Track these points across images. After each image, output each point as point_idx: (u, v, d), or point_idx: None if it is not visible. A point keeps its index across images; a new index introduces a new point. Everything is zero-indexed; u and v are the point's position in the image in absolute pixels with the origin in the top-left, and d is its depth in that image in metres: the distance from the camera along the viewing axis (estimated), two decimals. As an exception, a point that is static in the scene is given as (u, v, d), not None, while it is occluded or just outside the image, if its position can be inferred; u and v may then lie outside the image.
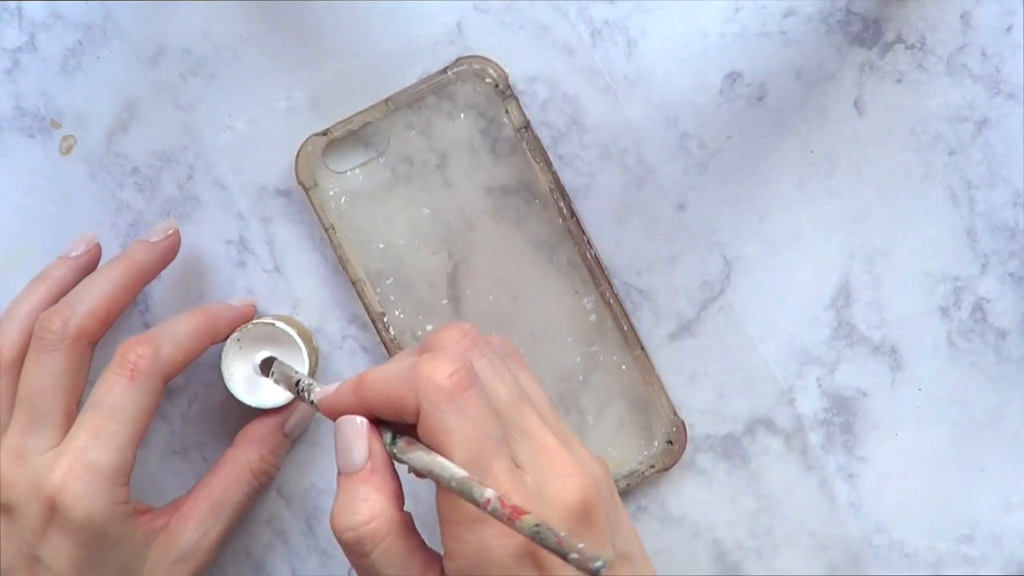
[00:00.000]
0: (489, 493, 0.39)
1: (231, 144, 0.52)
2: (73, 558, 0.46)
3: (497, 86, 0.51)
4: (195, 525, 0.50)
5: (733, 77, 0.52)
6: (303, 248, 0.53)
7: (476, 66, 0.51)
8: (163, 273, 0.53)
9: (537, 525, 0.38)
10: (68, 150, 0.53)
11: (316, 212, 0.52)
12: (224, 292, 0.53)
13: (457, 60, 0.51)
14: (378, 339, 0.52)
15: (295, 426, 0.52)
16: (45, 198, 0.53)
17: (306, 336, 0.52)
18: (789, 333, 0.52)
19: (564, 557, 0.38)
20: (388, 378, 0.43)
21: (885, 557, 0.53)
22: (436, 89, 0.51)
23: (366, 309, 0.52)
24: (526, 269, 0.52)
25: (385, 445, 0.43)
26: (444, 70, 0.51)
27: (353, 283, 0.52)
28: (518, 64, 0.52)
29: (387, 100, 0.51)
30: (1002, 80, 0.51)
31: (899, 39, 0.51)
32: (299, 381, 0.47)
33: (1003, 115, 0.51)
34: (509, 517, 0.39)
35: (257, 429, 0.52)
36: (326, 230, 0.52)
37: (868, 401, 0.52)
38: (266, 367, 0.49)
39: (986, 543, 0.52)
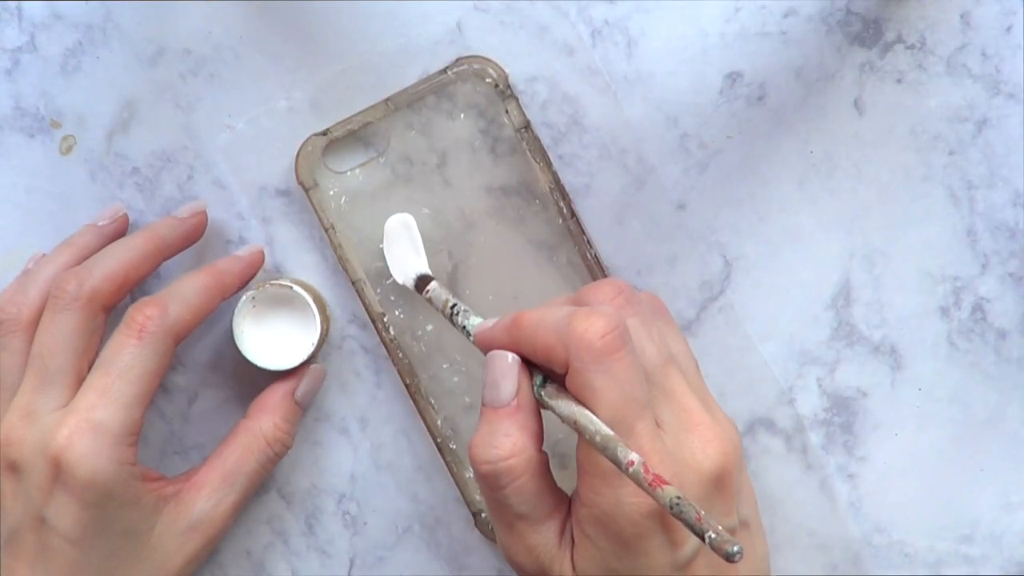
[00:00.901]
0: (633, 456, 0.40)
1: (231, 144, 0.52)
2: (79, 518, 0.46)
3: (497, 86, 0.51)
4: (208, 494, 0.50)
5: (733, 77, 0.51)
6: (303, 248, 0.53)
7: (476, 66, 0.51)
8: (163, 273, 0.53)
9: (678, 498, 0.39)
10: (68, 150, 0.53)
11: (316, 212, 0.52)
12: (224, 292, 0.53)
13: (457, 60, 0.51)
14: (378, 339, 0.52)
15: (306, 392, 0.52)
16: (45, 198, 0.53)
17: (321, 304, 0.52)
18: (789, 333, 0.52)
19: (700, 535, 0.38)
20: (542, 326, 0.43)
21: (885, 557, 0.53)
22: (436, 89, 0.51)
23: (366, 309, 0.52)
24: (526, 269, 0.52)
25: (533, 387, 0.44)
26: (444, 70, 0.51)
27: (353, 283, 0.52)
28: (518, 64, 0.52)
29: (387, 100, 0.51)
30: (1002, 80, 0.51)
31: (899, 39, 0.51)
32: (455, 305, 0.48)
33: (1003, 115, 0.51)
34: (651, 484, 0.39)
35: (269, 397, 0.52)
36: (326, 230, 0.52)
37: (868, 401, 0.52)
38: (422, 284, 0.50)
39: (986, 543, 0.52)
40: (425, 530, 0.54)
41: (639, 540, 0.41)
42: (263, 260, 0.52)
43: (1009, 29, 0.51)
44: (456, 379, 0.52)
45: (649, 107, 0.52)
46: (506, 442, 0.43)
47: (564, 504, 0.44)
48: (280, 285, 0.51)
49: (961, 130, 0.51)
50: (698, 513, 0.38)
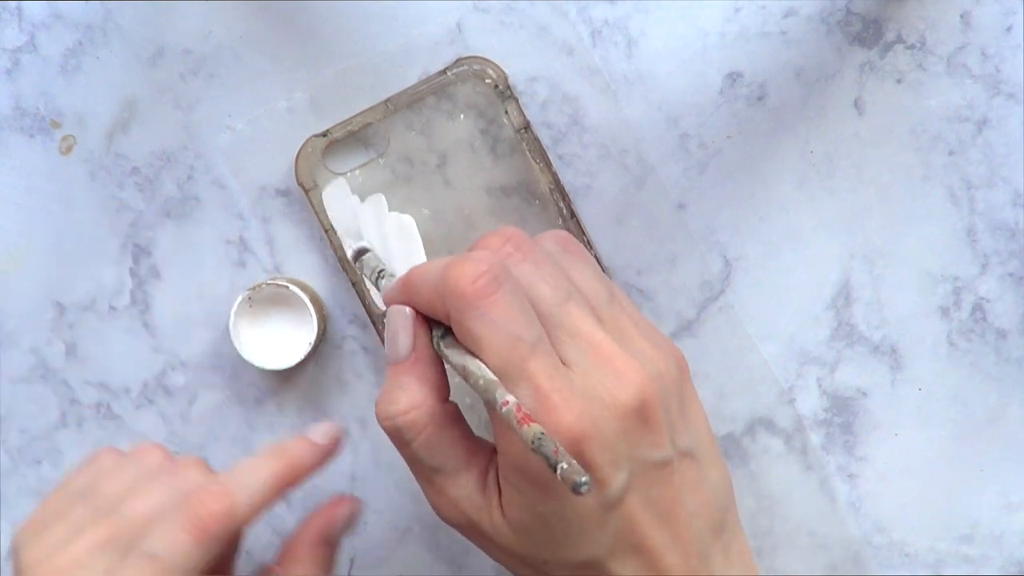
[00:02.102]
0: (508, 398, 0.39)
1: (231, 144, 0.52)
2: None
3: (496, 86, 0.51)
4: None
5: (733, 77, 0.51)
6: (303, 248, 0.53)
7: (476, 66, 0.51)
8: (163, 273, 0.53)
9: (541, 435, 0.38)
10: (68, 150, 0.53)
11: (316, 213, 0.52)
12: (224, 292, 0.53)
13: (457, 60, 0.51)
14: (378, 339, 0.52)
15: (342, 531, 0.49)
16: (45, 198, 0.53)
17: (317, 303, 0.52)
18: (789, 333, 0.52)
19: (553, 468, 0.37)
20: (424, 279, 0.43)
21: (885, 557, 0.53)
22: (436, 89, 0.51)
23: (366, 309, 0.52)
24: (526, 269, 0.52)
25: (433, 340, 0.43)
26: (444, 71, 0.51)
27: (353, 284, 0.52)
28: (518, 64, 0.52)
29: (387, 101, 0.51)
30: (1002, 80, 0.51)
31: (899, 39, 0.51)
32: (381, 271, 0.48)
33: (1003, 115, 0.51)
34: (518, 422, 0.39)
35: (299, 546, 0.48)
36: (326, 231, 0.52)
37: (868, 401, 0.52)
38: (357, 256, 0.50)
39: (986, 543, 0.52)
40: (425, 530, 0.54)
41: (556, 482, 0.39)
42: (339, 448, 0.48)
43: (1009, 29, 0.51)
44: (456, 379, 0.52)
45: (649, 107, 0.52)
46: (403, 396, 0.42)
47: (482, 453, 0.43)
48: (277, 285, 0.51)
49: (961, 130, 0.51)
50: (555, 448, 0.38)
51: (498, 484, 0.42)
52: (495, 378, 0.40)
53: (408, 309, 0.43)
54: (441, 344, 0.43)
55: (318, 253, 0.53)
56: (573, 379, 0.41)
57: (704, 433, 0.45)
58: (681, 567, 0.42)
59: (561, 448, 0.38)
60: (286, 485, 0.46)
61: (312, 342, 0.51)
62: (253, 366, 0.52)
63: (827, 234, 0.52)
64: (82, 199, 0.53)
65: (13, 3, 0.53)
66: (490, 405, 0.40)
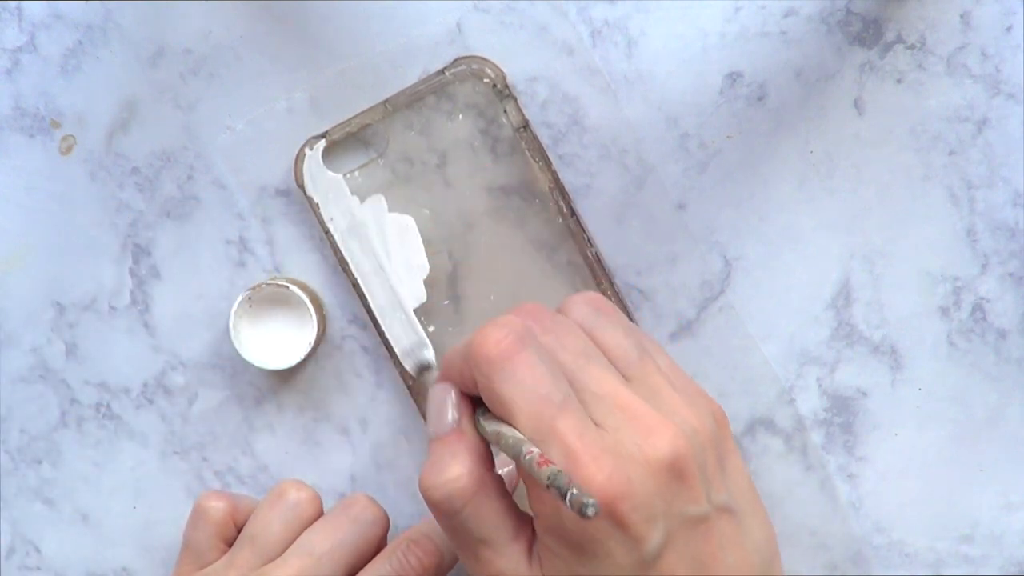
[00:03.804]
0: (531, 448, 0.39)
1: (231, 144, 0.52)
2: None
3: (495, 86, 0.51)
4: None
5: (733, 77, 0.51)
6: (303, 248, 0.53)
7: (474, 66, 0.51)
8: (163, 273, 0.53)
9: (557, 472, 0.38)
10: (68, 150, 0.53)
11: (316, 214, 0.52)
12: (224, 292, 0.53)
13: (455, 60, 0.51)
14: (378, 339, 0.52)
15: None
16: (45, 198, 0.53)
17: (317, 303, 0.52)
18: (789, 333, 0.52)
19: (563, 496, 0.37)
20: (456, 352, 0.43)
21: (885, 557, 0.53)
22: (435, 89, 0.51)
23: (366, 309, 0.52)
24: (526, 269, 0.52)
25: (475, 417, 0.43)
26: (442, 71, 0.51)
27: (353, 284, 0.52)
28: (518, 64, 0.52)
29: (385, 102, 0.51)
30: (1002, 80, 0.51)
31: (899, 39, 0.51)
32: (428, 366, 0.49)
33: (1003, 115, 0.51)
34: (537, 465, 0.39)
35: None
36: (326, 232, 0.52)
37: (868, 401, 0.52)
38: (421, 371, 0.51)
39: (986, 543, 0.52)
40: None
41: (593, 542, 0.40)
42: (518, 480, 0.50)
43: (1009, 29, 0.51)
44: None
45: (649, 107, 0.52)
46: (454, 464, 0.42)
47: (528, 526, 0.43)
48: (277, 285, 0.51)
49: (961, 130, 0.51)
50: (568, 479, 0.38)
51: (539, 555, 0.42)
52: (522, 436, 0.40)
53: (449, 386, 0.44)
54: (481, 420, 0.43)
55: (318, 253, 0.53)
56: (604, 438, 0.41)
57: (744, 488, 0.45)
58: None
59: (574, 479, 0.38)
60: None
61: (312, 342, 0.51)
62: (253, 366, 0.52)
63: (827, 234, 0.52)
64: (82, 199, 0.53)
65: (13, 3, 0.53)
66: (525, 474, 0.40)
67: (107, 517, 0.54)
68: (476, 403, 0.44)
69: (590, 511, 0.37)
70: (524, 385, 0.41)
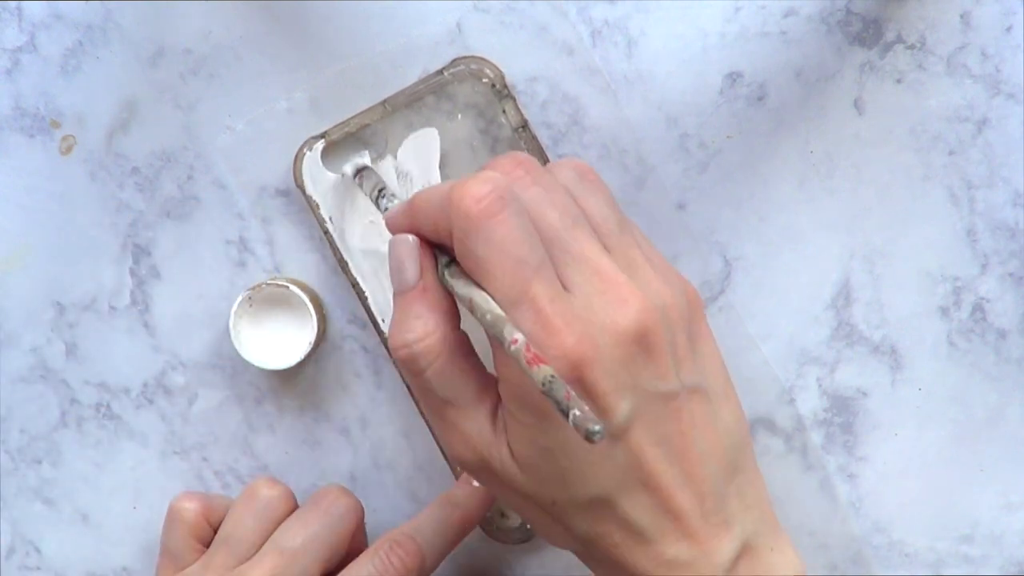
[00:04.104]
0: (517, 335, 0.38)
1: (231, 144, 0.53)
2: None
3: (494, 86, 0.51)
4: None
5: (733, 77, 0.51)
6: (303, 248, 0.53)
7: (473, 66, 0.51)
8: (163, 273, 0.53)
9: (552, 377, 0.37)
10: (68, 150, 0.53)
11: (315, 214, 0.52)
12: (224, 292, 0.53)
13: (454, 60, 0.51)
14: (378, 339, 0.52)
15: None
16: (45, 198, 0.53)
17: (317, 303, 0.52)
18: (789, 333, 0.52)
19: (565, 414, 0.37)
20: (430, 202, 0.42)
21: (885, 557, 0.53)
22: (435, 89, 0.51)
23: (366, 309, 0.52)
24: (526, 269, 0.52)
25: (438, 269, 0.42)
26: (441, 71, 0.51)
27: (353, 284, 0.52)
28: (518, 64, 0.52)
29: (384, 102, 0.51)
30: (1002, 80, 0.51)
31: (899, 39, 0.51)
32: (382, 189, 0.47)
33: (1003, 115, 0.51)
34: (528, 362, 0.38)
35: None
36: (325, 232, 0.52)
37: (868, 401, 0.52)
38: (356, 172, 0.50)
39: (986, 543, 0.52)
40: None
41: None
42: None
43: (1009, 29, 0.51)
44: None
45: (649, 107, 0.52)
46: (418, 324, 0.42)
47: (494, 388, 0.42)
48: (276, 285, 0.51)
49: (961, 130, 0.51)
50: (567, 392, 0.37)
51: (505, 420, 0.42)
52: (502, 313, 0.39)
53: (412, 237, 0.43)
54: (447, 274, 0.42)
55: (318, 253, 0.53)
56: (575, 303, 0.40)
57: (716, 371, 0.44)
58: (695, 508, 0.42)
59: (574, 394, 0.37)
60: (462, 537, 0.50)
61: (312, 342, 0.51)
62: (253, 366, 0.52)
63: (827, 234, 0.52)
64: (82, 199, 0.53)
65: (13, 3, 0.53)
66: (495, 341, 0.39)
67: (107, 517, 0.54)
68: (440, 252, 0.43)
69: (597, 438, 0.36)
70: (502, 247, 0.40)
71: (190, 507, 0.50)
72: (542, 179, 0.42)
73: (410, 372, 0.42)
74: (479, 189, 0.40)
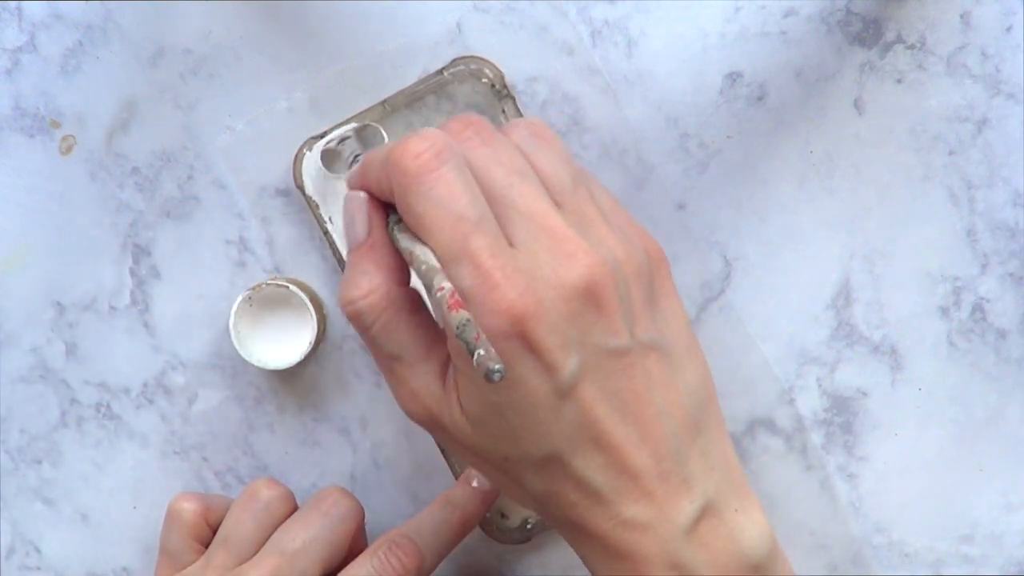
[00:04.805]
0: (444, 284, 0.38)
1: (231, 144, 0.53)
2: None
3: (494, 86, 0.51)
4: None
5: (733, 77, 0.51)
6: (303, 248, 0.53)
7: (472, 66, 0.51)
8: (163, 273, 0.53)
9: (466, 322, 0.37)
10: (68, 150, 0.53)
11: (315, 214, 0.52)
12: (224, 292, 0.53)
13: (454, 61, 0.51)
14: (378, 339, 0.52)
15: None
16: (45, 198, 0.53)
17: (317, 303, 0.52)
18: (789, 333, 0.52)
19: (471, 353, 0.37)
20: (374, 160, 0.42)
21: (885, 557, 0.53)
22: (434, 89, 0.51)
23: (366, 309, 0.52)
24: (526, 269, 0.52)
25: (388, 226, 0.42)
26: (440, 71, 0.51)
27: (353, 283, 0.52)
28: (518, 64, 0.52)
29: (384, 102, 0.51)
30: (1002, 80, 0.51)
31: (899, 39, 0.51)
32: (357, 155, 0.48)
33: (1003, 115, 0.51)
34: (448, 308, 0.38)
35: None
36: (325, 232, 0.52)
37: (868, 401, 0.52)
38: (342, 139, 0.50)
39: (986, 543, 0.52)
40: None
41: (504, 366, 0.39)
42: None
43: (1009, 29, 0.51)
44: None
45: (649, 107, 0.52)
46: (364, 280, 0.42)
47: (444, 345, 0.42)
48: (277, 285, 0.51)
49: (961, 130, 0.51)
50: (476, 334, 0.37)
51: (455, 377, 0.42)
52: (436, 264, 0.39)
53: (363, 194, 0.43)
54: (395, 230, 0.42)
55: (318, 253, 0.53)
56: (518, 258, 0.40)
57: (677, 328, 0.43)
58: (651, 468, 0.41)
59: (483, 336, 0.37)
60: (461, 538, 0.50)
61: (312, 342, 0.51)
62: (253, 366, 0.52)
63: (827, 234, 0.52)
64: (82, 199, 0.53)
65: (13, 3, 0.53)
66: (428, 293, 0.39)
67: (107, 517, 0.54)
68: (392, 211, 0.43)
69: (496, 376, 0.36)
70: (439, 202, 0.39)
71: (189, 507, 0.50)
72: (491, 139, 0.42)
73: (357, 328, 0.42)
74: (417, 146, 0.40)
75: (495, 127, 0.43)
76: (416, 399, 0.42)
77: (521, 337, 0.39)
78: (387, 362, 0.43)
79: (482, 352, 0.37)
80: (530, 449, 0.41)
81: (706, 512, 0.42)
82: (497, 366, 0.36)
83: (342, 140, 0.51)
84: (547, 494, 0.42)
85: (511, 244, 0.40)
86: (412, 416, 0.43)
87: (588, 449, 0.41)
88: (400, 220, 0.42)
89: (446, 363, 0.42)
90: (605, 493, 0.41)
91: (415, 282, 0.43)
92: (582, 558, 0.43)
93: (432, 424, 0.43)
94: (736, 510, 0.43)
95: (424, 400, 0.42)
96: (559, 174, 0.42)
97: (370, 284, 0.42)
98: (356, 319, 0.42)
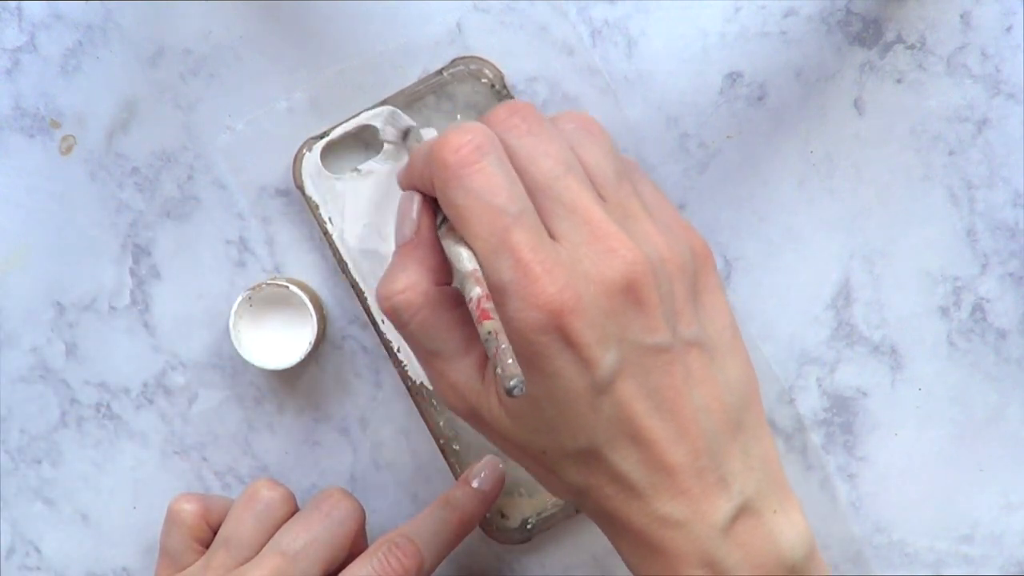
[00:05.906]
0: (475, 293, 0.38)
1: (231, 144, 0.53)
2: None
3: (494, 86, 0.51)
4: None
5: (733, 77, 0.51)
6: (303, 248, 0.53)
7: (472, 66, 0.51)
8: (163, 273, 0.53)
9: (490, 332, 0.37)
10: (68, 150, 0.53)
11: (315, 214, 0.52)
12: (224, 292, 0.53)
13: (453, 61, 0.51)
14: (378, 339, 0.52)
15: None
16: (45, 198, 0.53)
17: (317, 303, 0.52)
18: (789, 333, 0.52)
19: (494, 366, 0.37)
20: (419, 155, 0.42)
21: (885, 557, 0.53)
22: (434, 89, 0.51)
23: (365, 310, 0.52)
24: (526, 269, 0.52)
25: (437, 225, 0.43)
26: (441, 71, 0.51)
27: (353, 284, 0.52)
28: (518, 64, 0.52)
29: (384, 102, 0.51)
30: (1002, 80, 0.51)
31: (899, 39, 0.51)
32: (409, 129, 0.48)
33: (1003, 115, 0.51)
34: (478, 318, 0.38)
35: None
36: (325, 232, 0.52)
37: (868, 401, 0.52)
38: (405, 135, 0.50)
39: (986, 543, 0.52)
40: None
41: (541, 359, 0.39)
42: (501, 487, 0.51)
43: (1009, 29, 0.51)
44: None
45: (649, 107, 0.52)
46: (402, 277, 0.42)
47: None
48: (277, 285, 0.51)
49: (961, 130, 0.51)
50: (498, 347, 0.37)
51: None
52: (471, 269, 0.39)
53: (415, 193, 0.43)
54: (442, 230, 0.42)
55: (318, 253, 0.53)
56: (560, 252, 0.40)
57: (721, 325, 0.43)
58: (688, 465, 0.41)
59: (504, 349, 0.37)
60: (461, 539, 0.49)
61: (312, 342, 0.51)
62: (253, 366, 0.52)
63: (827, 234, 0.52)
64: (82, 199, 0.53)
65: (13, 3, 0.53)
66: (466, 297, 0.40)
67: (107, 517, 0.54)
68: (439, 210, 0.43)
69: (515, 392, 0.36)
70: (479, 195, 0.39)
71: (189, 508, 0.50)
72: (537, 128, 0.42)
73: (395, 323, 0.42)
74: (457, 139, 0.40)
75: (543, 116, 0.43)
76: (455, 392, 0.42)
77: (560, 331, 0.39)
78: (427, 357, 0.43)
79: (501, 371, 0.37)
80: (567, 442, 0.41)
81: (744, 511, 0.42)
82: (514, 381, 0.36)
83: (406, 132, 0.50)
84: (584, 487, 0.42)
85: (553, 237, 0.40)
86: (451, 408, 0.43)
87: (625, 444, 0.41)
88: (445, 220, 0.42)
89: (485, 356, 0.42)
90: (641, 488, 0.41)
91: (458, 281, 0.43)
92: (618, 550, 0.43)
93: (471, 416, 0.43)
94: (775, 511, 0.43)
95: (463, 393, 0.42)
96: (604, 169, 0.42)
97: (407, 280, 0.42)
98: (392, 315, 0.42)
